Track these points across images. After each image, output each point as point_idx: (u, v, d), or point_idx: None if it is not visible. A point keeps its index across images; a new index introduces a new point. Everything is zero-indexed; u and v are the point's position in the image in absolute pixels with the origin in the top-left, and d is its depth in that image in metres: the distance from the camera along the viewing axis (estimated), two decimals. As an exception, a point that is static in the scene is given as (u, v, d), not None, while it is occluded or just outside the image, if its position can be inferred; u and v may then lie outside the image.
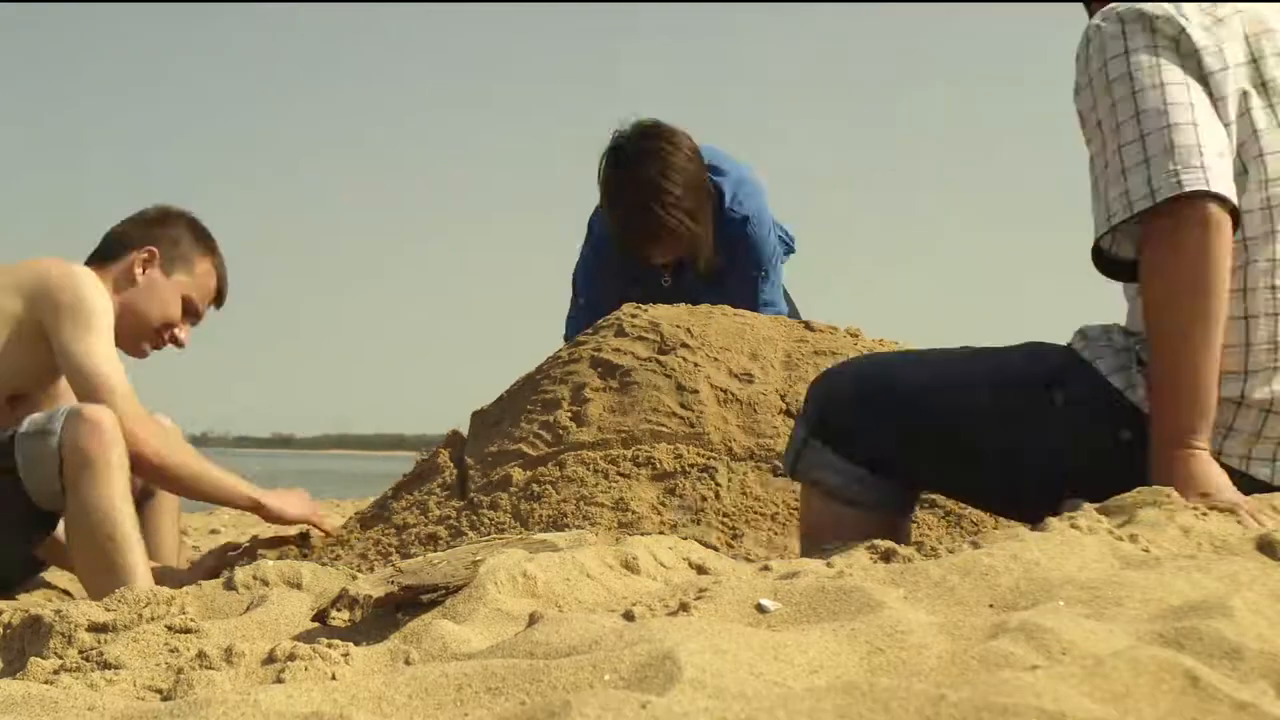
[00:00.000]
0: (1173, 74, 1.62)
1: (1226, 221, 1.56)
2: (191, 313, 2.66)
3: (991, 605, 1.14)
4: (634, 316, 2.64)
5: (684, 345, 2.51)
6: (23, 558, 2.44)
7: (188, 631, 1.25)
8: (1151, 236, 1.60)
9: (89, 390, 2.28)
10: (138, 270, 2.55)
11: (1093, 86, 1.69)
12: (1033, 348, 1.81)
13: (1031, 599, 1.13)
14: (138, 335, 2.57)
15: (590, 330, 2.71)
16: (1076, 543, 1.31)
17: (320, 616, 1.25)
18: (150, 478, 2.44)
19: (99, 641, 1.24)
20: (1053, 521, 1.41)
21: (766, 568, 1.40)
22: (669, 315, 2.64)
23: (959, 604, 1.15)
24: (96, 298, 2.36)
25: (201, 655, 1.14)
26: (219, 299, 2.74)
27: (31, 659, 1.21)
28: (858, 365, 1.92)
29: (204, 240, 2.69)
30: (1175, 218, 1.56)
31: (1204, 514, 1.45)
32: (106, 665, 1.16)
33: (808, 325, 2.66)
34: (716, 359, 2.50)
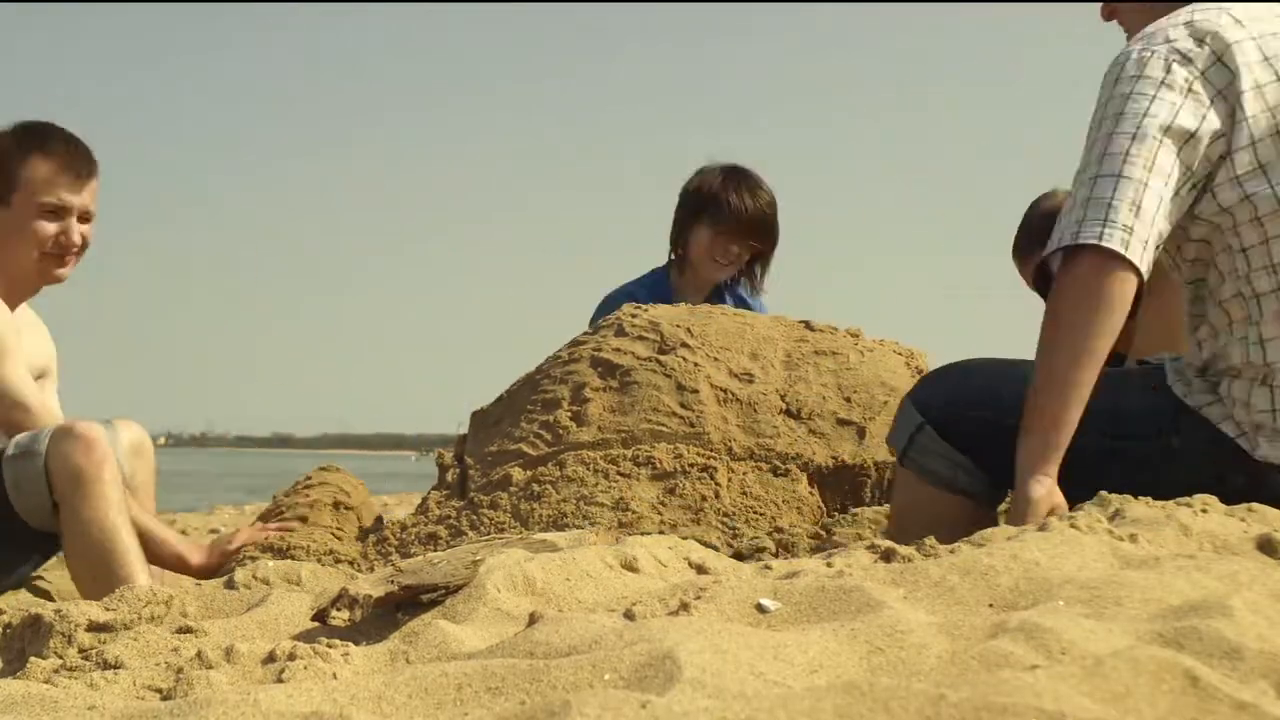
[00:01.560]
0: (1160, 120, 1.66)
1: (1120, 277, 1.63)
2: (61, 213, 2.42)
3: (991, 605, 1.14)
4: (634, 316, 2.64)
5: (684, 345, 2.51)
6: (16, 579, 2.44)
7: (188, 631, 1.25)
8: (1057, 275, 1.68)
9: (4, 420, 2.26)
10: None
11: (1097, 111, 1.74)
12: (1132, 383, 1.85)
13: (1031, 599, 1.13)
14: (31, 269, 2.42)
15: (590, 330, 2.71)
16: (1076, 542, 1.31)
17: (320, 616, 1.25)
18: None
19: (99, 641, 1.24)
20: (1053, 521, 1.41)
21: (767, 568, 1.40)
22: (669, 315, 2.64)
23: (959, 604, 1.15)
24: None
25: (201, 655, 1.14)
26: (77, 173, 2.44)
27: (31, 659, 1.21)
28: (971, 367, 1.98)
29: (16, 143, 2.42)
30: (1076, 264, 1.64)
31: (1203, 512, 1.45)
32: (106, 665, 1.16)
33: (808, 325, 2.66)
34: (716, 359, 2.50)
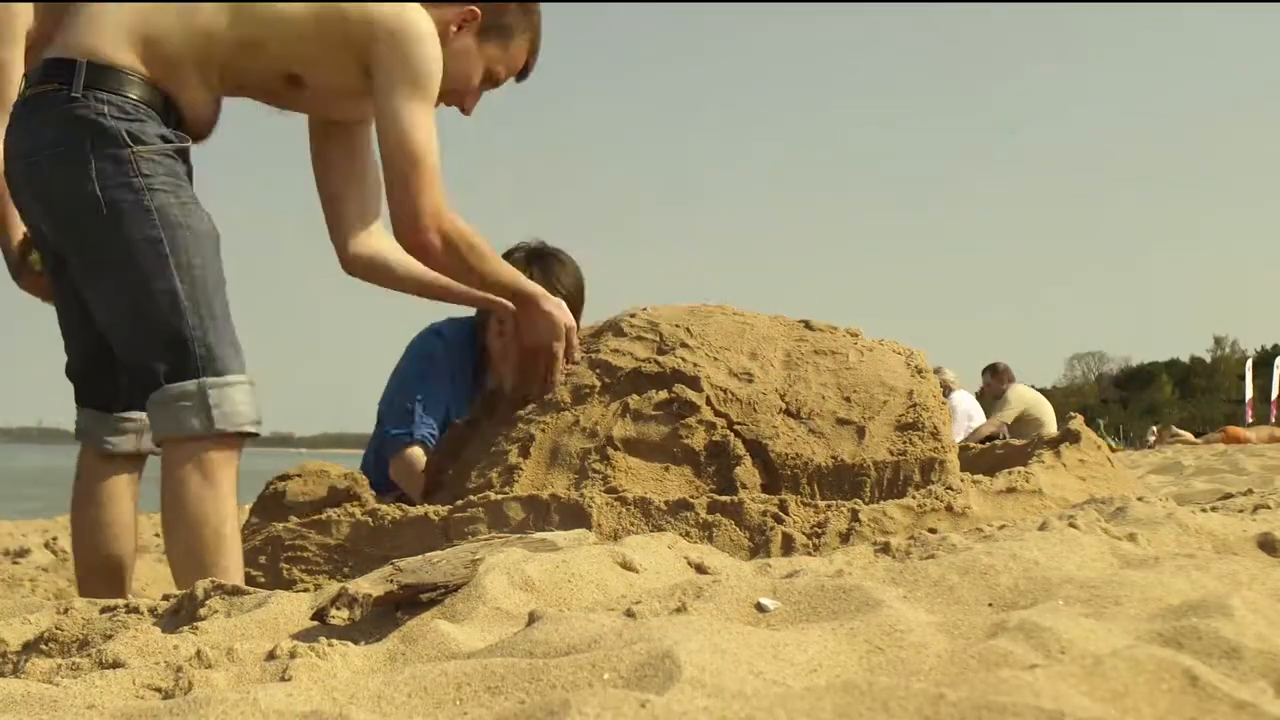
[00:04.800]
0: None
1: None
2: (491, 82, 2.51)
3: (991, 604, 1.14)
4: (633, 317, 2.65)
5: (683, 345, 2.51)
6: None
7: (187, 630, 1.25)
8: None
9: (399, 161, 2.19)
10: (453, 28, 2.39)
11: None
12: None
13: (1031, 598, 1.13)
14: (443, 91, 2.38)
15: (589, 332, 2.72)
16: (1075, 542, 1.31)
17: (320, 615, 1.25)
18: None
19: (99, 641, 1.24)
20: (1052, 521, 1.41)
21: (766, 567, 1.40)
22: (668, 315, 2.64)
23: (958, 603, 1.15)
24: (435, 65, 2.22)
25: (201, 654, 1.14)
26: (524, 74, 2.56)
27: (31, 659, 1.21)
28: None
29: (529, 14, 2.52)
30: None
31: (1203, 512, 1.46)
32: (106, 665, 1.16)
33: (807, 325, 2.66)
34: (716, 358, 2.50)
